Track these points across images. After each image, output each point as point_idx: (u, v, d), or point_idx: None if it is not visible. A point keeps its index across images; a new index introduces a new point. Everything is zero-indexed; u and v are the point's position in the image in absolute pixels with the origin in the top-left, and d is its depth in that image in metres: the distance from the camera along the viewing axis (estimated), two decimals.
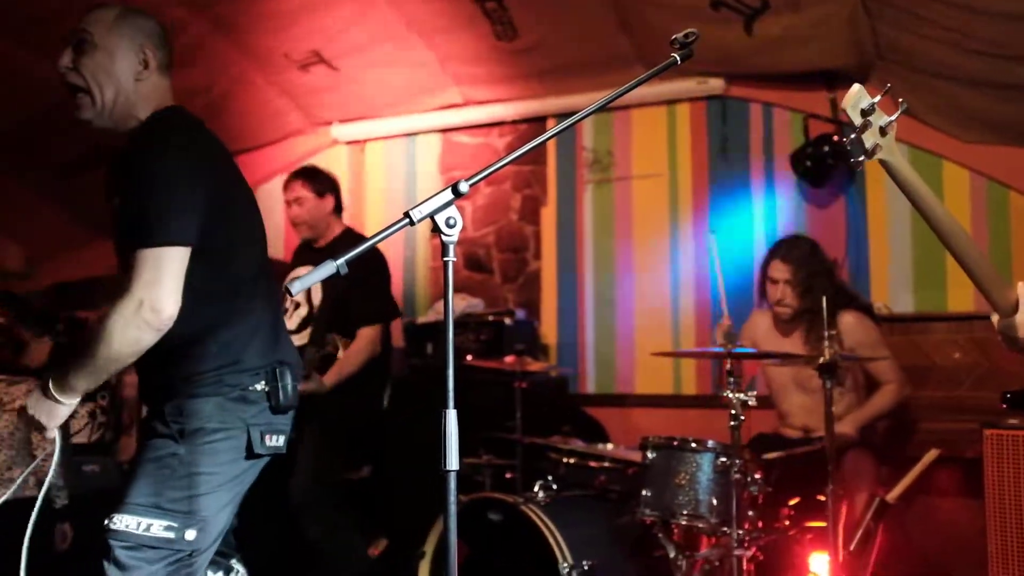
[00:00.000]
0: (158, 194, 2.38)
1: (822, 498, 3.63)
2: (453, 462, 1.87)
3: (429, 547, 4.18)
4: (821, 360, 3.50)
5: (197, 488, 2.42)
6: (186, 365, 2.48)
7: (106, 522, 2.38)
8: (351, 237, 4.83)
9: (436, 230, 1.87)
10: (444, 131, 6.44)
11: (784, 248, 4.48)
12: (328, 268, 1.80)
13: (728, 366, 3.54)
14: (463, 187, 1.88)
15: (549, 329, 6.08)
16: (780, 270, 4.39)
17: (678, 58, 2.15)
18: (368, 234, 4.94)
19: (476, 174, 1.94)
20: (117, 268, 2.56)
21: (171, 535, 2.38)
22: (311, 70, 5.80)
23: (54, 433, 2.45)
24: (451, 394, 1.87)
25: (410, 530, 4.89)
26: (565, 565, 3.73)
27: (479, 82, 6.01)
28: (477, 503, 4.07)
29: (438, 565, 4.15)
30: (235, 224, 2.59)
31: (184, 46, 5.31)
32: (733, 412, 3.49)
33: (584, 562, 3.76)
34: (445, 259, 1.87)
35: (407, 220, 1.84)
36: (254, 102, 6.09)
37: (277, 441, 2.57)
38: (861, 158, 2.10)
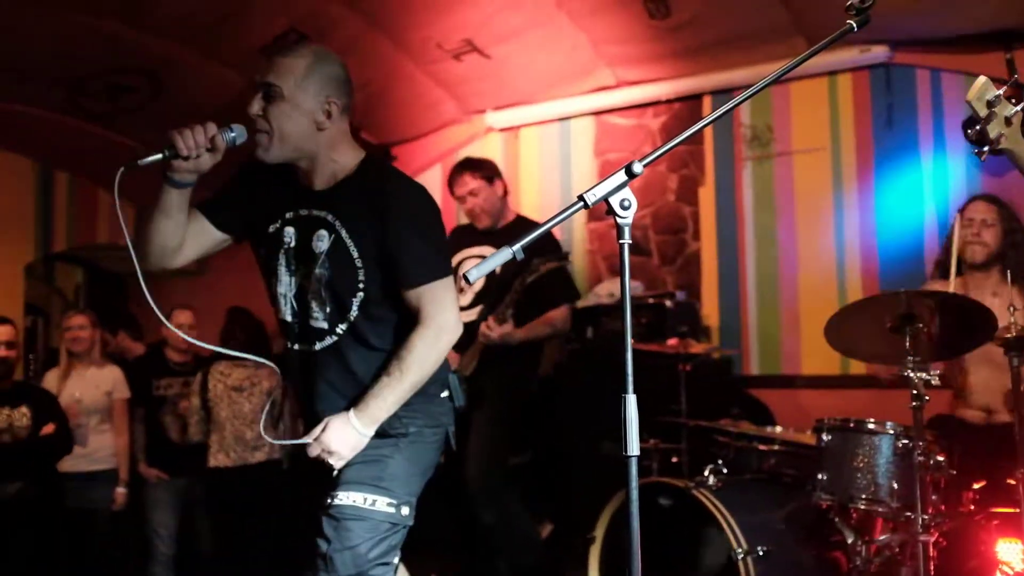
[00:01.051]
0: (432, 234, 2.75)
1: (1012, 482, 3.44)
2: (634, 447, 1.83)
3: (599, 532, 4.16)
4: (1008, 335, 3.31)
5: (410, 472, 2.75)
6: None
7: (330, 500, 2.65)
8: (525, 224, 4.87)
9: (611, 212, 1.85)
10: (597, 114, 6.39)
11: (988, 195, 4.27)
12: (504, 254, 1.80)
13: (908, 344, 3.39)
14: (637, 168, 1.84)
15: (711, 310, 5.98)
16: (981, 210, 4.12)
17: (855, 25, 2.08)
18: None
19: (650, 154, 1.91)
20: (301, 288, 2.76)
21: (392, 510, 2.67)
22: (464, 59, 5.85)
23: (342, 464, 2.70)
24: (630, 378, 1.84)
25: (575, 514, 4.90)
26: (739, 550, 3.65)
27: (632, 62, 5.94)
28: (647, 488, 4.01)
29: (608, 549, 4.14)
30: None
31: (341, 43, 5.44)
32: (915, 392, 3.34)
33: (759, 547, 3.67)
34: (621, 241, 1.85)
35: (582, 203, 1.83)
36: (410, 94, 6.18)
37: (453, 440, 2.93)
38: (985, 148, 2.17)
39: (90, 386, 5.63)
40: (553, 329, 4.76)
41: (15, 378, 5.58)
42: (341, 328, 2.72)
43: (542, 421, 5.43)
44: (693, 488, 3.88)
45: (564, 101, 6.38)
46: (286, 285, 2.77)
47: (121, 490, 5.60)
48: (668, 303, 5.53)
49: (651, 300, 5.60)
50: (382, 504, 2.65)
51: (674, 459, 4.80)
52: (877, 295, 3.68)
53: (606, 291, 5.96)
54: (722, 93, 5.88)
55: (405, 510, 2.69)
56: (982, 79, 2.15)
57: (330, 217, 2.71)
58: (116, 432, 5.66)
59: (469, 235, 4.84)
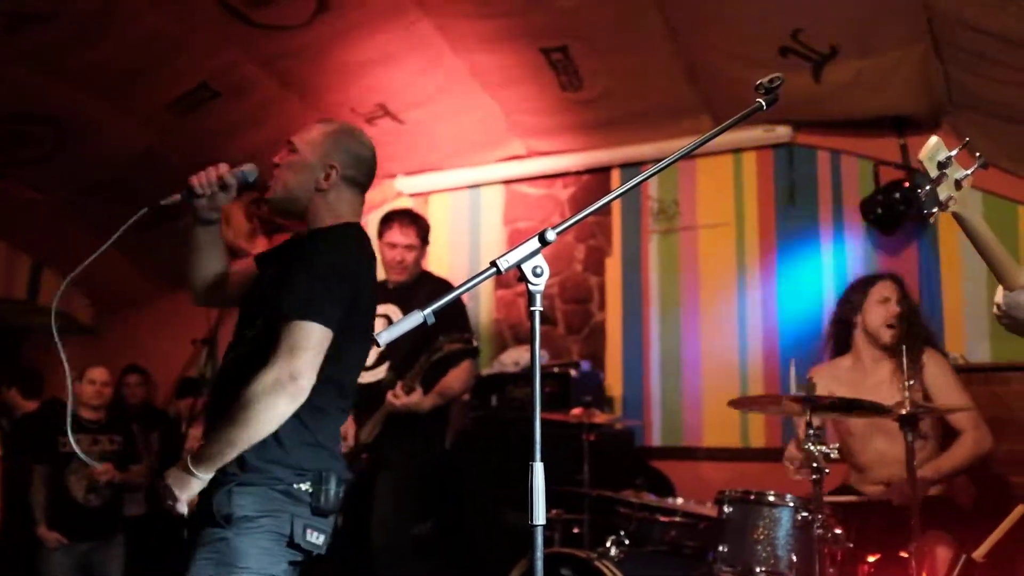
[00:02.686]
0: (322, 279, 2.57)
1: (904, 555, 3.50)
2: (540, 516, 1.81)
3: None
4: (903, 412, 3.39)
5: (240, 571, 2.45)
6: (243, 454, 2.51)
7: None
8: (433, 280, 4.94)
9: (523, 279, 1.85)
10: (507, 182, 6.46)
11: (893, 275, 4.38)
12: (415, 318, 1.78)
13: (808, 417, 3.45)
14: (550, 236, 1.86)
15: (614, 381, 6.01)
16: (891, 289, 4.24)
17: (763, 103, 2.12)
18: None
19: (563, 222, 1.93)
20: (237, 327, 2.77)
21: None
22: (377, 123, 5.84)
23: (184, 509, 2.49)
24: (538, 446, 1.83)
25: None
26: None
27: (543, 133, 6.02)
28: (549, 559, 3.98)
29: None
30: (352, 337, 2.66)
31: (254, 104, 5.40)
32: (815, 466, 3.38)
33: None
34: (532, 308, 1.85)
35: (495, 269, 1.82)
36: None
37: (317, 539, 2.57)
38: (935, 210, 2.16)
39: None
40: (456, 392, 4.82)
41: None
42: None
43: (445, 489, 5.36)
44: (596, 559, 3.86)
45: (475, 169, 6.43)
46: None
47: None
48: (573, 372, 5.54)
49: (556, 369, 5.60)
50: None
51: (575, 530, 4.77)
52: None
53: (511, 359, 5.96)
54: (630, 166, 6.00)
55: None
56: (934, 139, 2.15)
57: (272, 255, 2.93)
58: None
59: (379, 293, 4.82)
